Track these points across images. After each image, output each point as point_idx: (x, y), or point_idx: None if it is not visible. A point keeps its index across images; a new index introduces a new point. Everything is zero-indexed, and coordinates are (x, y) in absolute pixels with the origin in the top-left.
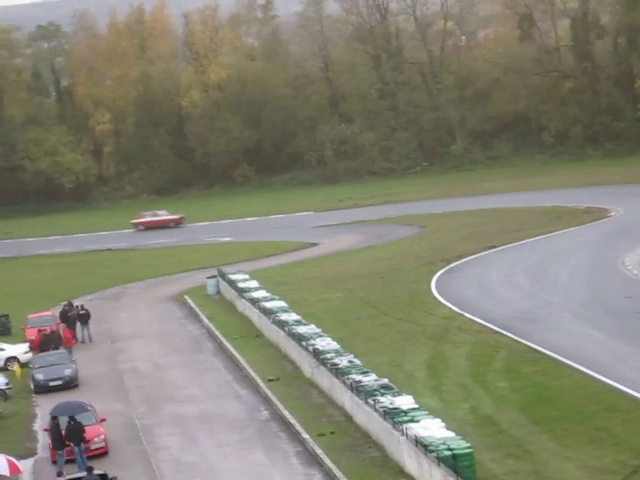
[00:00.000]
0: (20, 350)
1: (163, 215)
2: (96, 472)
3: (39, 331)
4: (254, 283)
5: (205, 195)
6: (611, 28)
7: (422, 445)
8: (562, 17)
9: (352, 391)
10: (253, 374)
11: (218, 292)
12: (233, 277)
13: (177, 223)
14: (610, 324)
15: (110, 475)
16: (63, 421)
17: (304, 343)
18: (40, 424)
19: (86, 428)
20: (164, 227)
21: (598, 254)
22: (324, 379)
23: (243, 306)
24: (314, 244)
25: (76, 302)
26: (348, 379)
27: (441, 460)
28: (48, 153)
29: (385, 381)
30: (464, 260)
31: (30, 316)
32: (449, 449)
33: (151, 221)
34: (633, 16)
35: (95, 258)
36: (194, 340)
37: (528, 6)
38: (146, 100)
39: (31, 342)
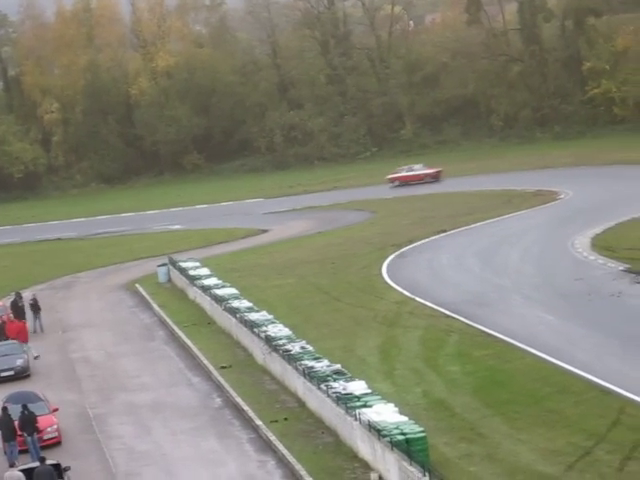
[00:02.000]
0: None
1: (419, 169)
2: (49, 462)
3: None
4: (205, 271)
5: (155, 183)
6: (558, 11)
7: (375, 430)
8: (509, 1)
9: (305, 377)
10: (205, 362)
11: (169, 280)
12: (184, 265)
13: (434, 177)
14: (561, 306)
15: (63, 465)
16: (16, 410)
17: (256, 330)
18: None
19: (39, 418)
20: (420, 182)
21: (548, 237)
22: (277, 365)
23: (194, 294)
24: (264, 231)
25: (26, 292)
26: (300, 365)
27: (394, 444)
28: None
29: (337, 367)
30: (415, 245)
31: None
32: (402, 433)
33: (406, 176)
34: None
35: (45, 248)
36: (146, 328)
37: None
38: (94, 88)
39: None
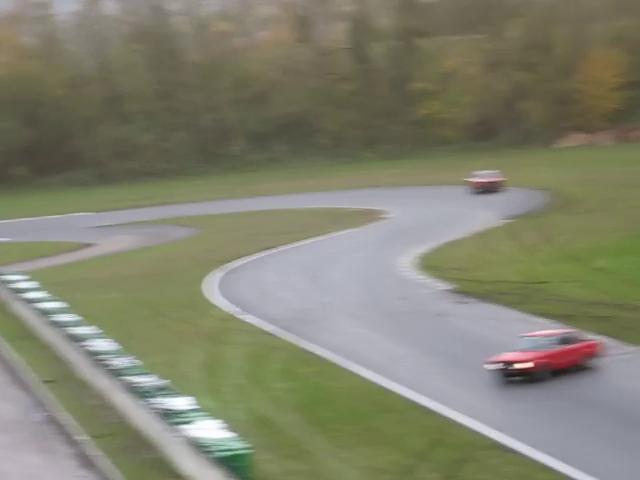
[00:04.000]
0: None
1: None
2: None
3: None
4: (30, 284)
5: None
6: (388, 31)
7: (199, 446)
8: (340, 20)
9: (129, 392)
10: (29, 376)
11: None
12: (8, 278)
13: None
14: (386, 325)
15: None
16: None
17: (81, 344)
18: None
19: None
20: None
21: (374, 256)
22: (101, 380)
23: (19, 307)
24: (91, 245)
25: None
26: (125, 380)
27: (218, 461)
28: None
29: (162, 382)
30: (242, 261)
31: None
32: (226, 450)
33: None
34: (409, 20)
35: None
36: None
37: (306, 8)
38: None
39: None
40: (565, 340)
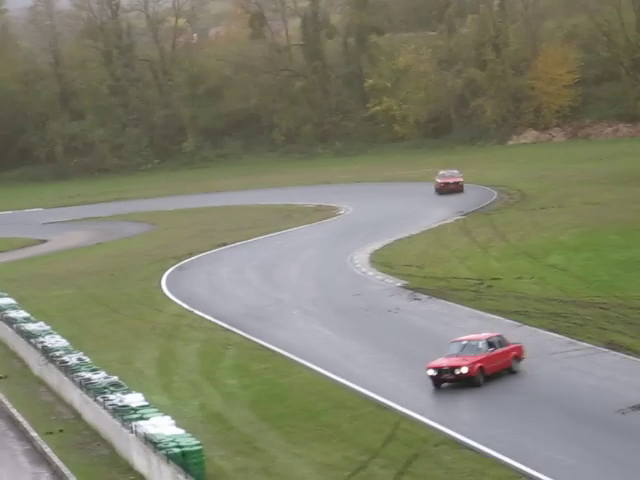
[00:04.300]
0: None
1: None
2: None
3: None
4: None
5: None
6: (341, 28)
7: (151, 442)
8: (293, 16)
9: (81, 389)
10: None
11: None
12: None
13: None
14: (339, 322)
15: None
16: None
17: (33, 341)
18: None
19: None
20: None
21: (328, 252)
22: (53, 377)
23: None
24: (43, 241)
25: None
26: (77, 377)
27: (170, 457)
28: None
29: (115, 379)
30: (195, 257)
31: None
32: (178, 446)
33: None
34: (362, 16)
35: None
36: None
37: (259, 5)
38: None
39: None
40: (495, 343)
